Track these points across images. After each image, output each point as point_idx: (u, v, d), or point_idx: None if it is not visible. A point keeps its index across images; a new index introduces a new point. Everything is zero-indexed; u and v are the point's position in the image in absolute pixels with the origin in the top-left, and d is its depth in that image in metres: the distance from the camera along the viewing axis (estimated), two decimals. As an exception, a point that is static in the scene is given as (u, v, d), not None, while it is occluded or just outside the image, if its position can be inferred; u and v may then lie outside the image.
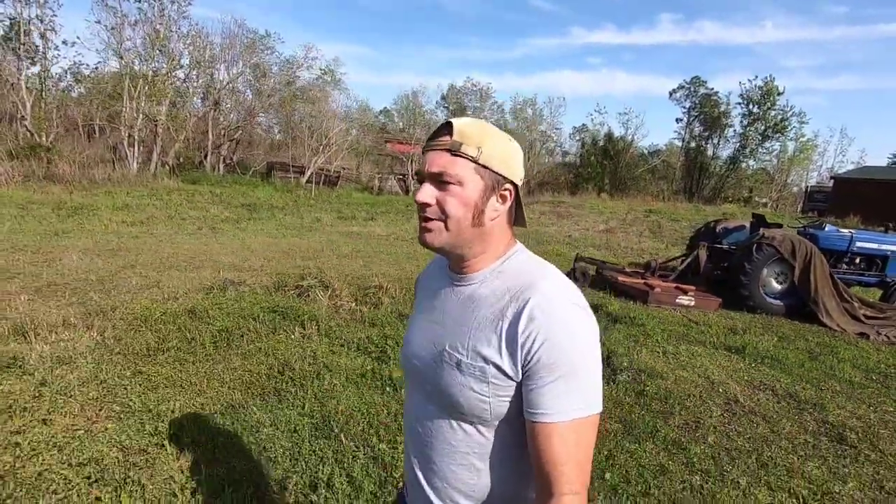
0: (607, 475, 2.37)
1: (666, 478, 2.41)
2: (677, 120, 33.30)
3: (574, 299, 0.78)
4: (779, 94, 24.35)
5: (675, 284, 6.46)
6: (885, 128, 66.30)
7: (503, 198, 0.83)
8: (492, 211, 0.82)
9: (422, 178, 0.83)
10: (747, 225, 7.13)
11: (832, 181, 27.89)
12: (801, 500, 2.35)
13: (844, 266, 6.57)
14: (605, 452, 2.57)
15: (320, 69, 25.63)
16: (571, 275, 6.82)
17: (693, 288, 6.37)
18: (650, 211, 13.58)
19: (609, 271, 6.84)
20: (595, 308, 5.28)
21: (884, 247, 6.56)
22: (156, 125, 21.38)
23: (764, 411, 3.29)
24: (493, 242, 0.85)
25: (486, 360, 0.78)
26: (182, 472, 2.12)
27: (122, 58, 20.65)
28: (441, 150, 0.80)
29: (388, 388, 3.07)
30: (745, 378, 3.87)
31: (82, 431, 2.37)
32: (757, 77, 27.52)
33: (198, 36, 22.21)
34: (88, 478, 2.04)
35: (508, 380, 0.77)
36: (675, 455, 2.63)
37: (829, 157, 44.43)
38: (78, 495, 1.94)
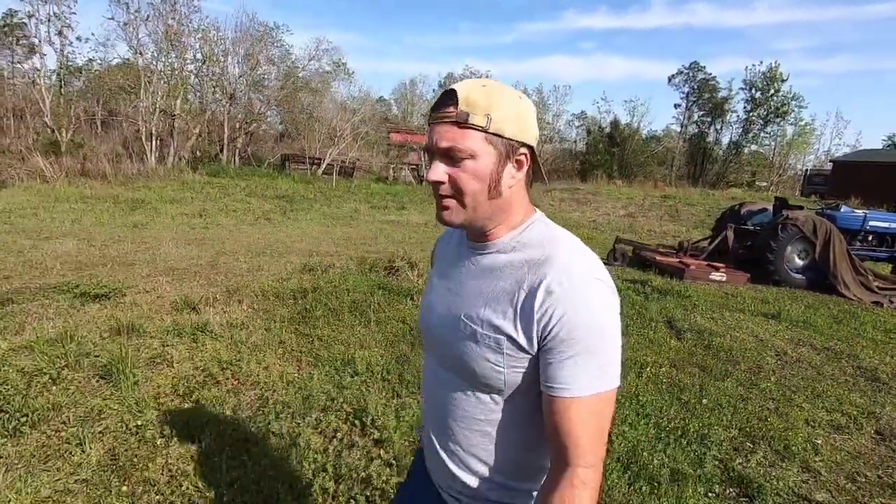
0: (704, 401, 3.07)
1: (748, 403, 3.11)
2: (676, 105, 34.03)
3: (594, 272, 0.76)
4: (783, 80, 24.98)
5: (706, 262, 7.16)
6: (880, 110, 67.10)
7: (519, 164, 0.80)
8: (509, 179, 0.79)
9: (432, 154, 0.79)
10: (769, 207, 7.82)
11: (831, 164, 28.71)
12: (853, 418, 3.05)
13: (858, 243, 7.29)
14: (698, 386, 3.27)
15: (333, 61, 25.98)
16: (612, 255, 7.52)
17: (723, 265, 7.06)
18: (665, 196, 14.28)
19: (646, 252, 7.53)
20: (641, 283, 5.97)
21: (893, 225, 7.28)
22: (173, 119, 21.79)
23: (808, 360, 4.00)
24: (512, 211, 0.82)
25: (500, 331, 0.77)
26: (399, 396, 2.81)
27: (140, 53, 20.97)
28: (448, 122, 0.76)
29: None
30: (787, 337, 4.57)
31: (296, 375, 3.04)
32: (761, 62, 28.18)
33: (209, 30, 22.49)
34: (353, 413, 2.71)
35: (523, 352, 0.76)
36: (750, 389, 3.33)
37: (825, 141, 45.21)
38: (338, 420, 2.61)
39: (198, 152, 23.65)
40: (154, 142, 21.38)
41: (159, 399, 2.64)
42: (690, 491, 2.18)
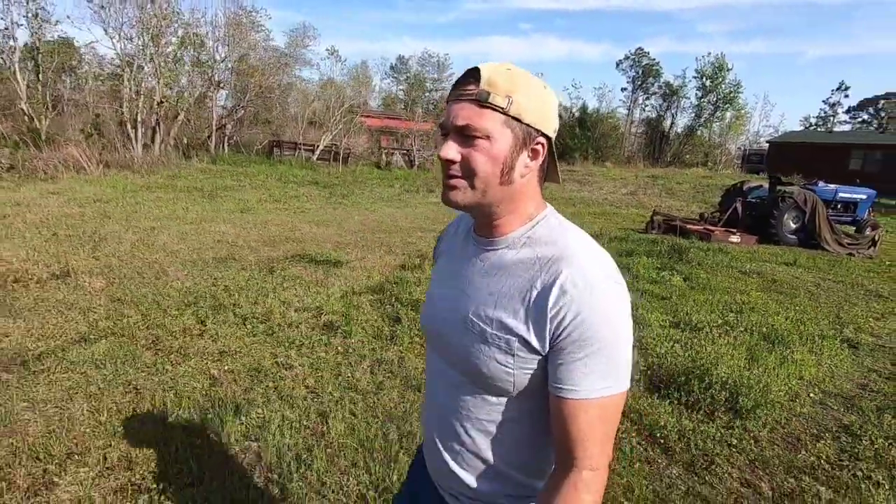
0: (803, 298, 4.84)
1: (822, 306, 4.92)
2: (622, 89, 37.09)
3: (608, 272, 0.74)
4: (728, 69, 28.03)
5: (724, 228, 9.13)
6: (794, 92, 74.37)
7: (535, 153, 0.77)
8: (522, 167, 0.76)
9: (446, 131, 0.76)
10: (764, 185, 9.91)
11: (767, 144, 32.58)
12: (881, 314, 4.93)
13: (830, 210, 9.50)
14: (790, 298, 5.06)
15: (326, 50, 26.24)
16: (650, 225, 9.34)
17: (736, 230, 9.06)
18: (653, 176, 16.43)
19: (676, 221, 9.41)
20: (679, 253, 7.75)
21: (855, 196, 9.58)
22: (160, 106, 21.55)
23: (829, 286, 5.91)
24: (522, 202, 0.79)
25: (511, 331, 0.74)
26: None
27: (130, 38, 20.50)
28: (467, 100, 0.73)
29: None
30: (809, 277, 6.50)
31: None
32: (710, 54, 31.33)
33: (190, 14, 22.21)
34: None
35: (534, 353, 0.74)
36: (818, 299, 5.15)
37: (754, 122, 50.19)
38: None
39: (184, 139, 23.46)
40: (139, 128, 21.12)
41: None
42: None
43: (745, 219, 9.40)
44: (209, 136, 24.09)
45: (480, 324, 0.77)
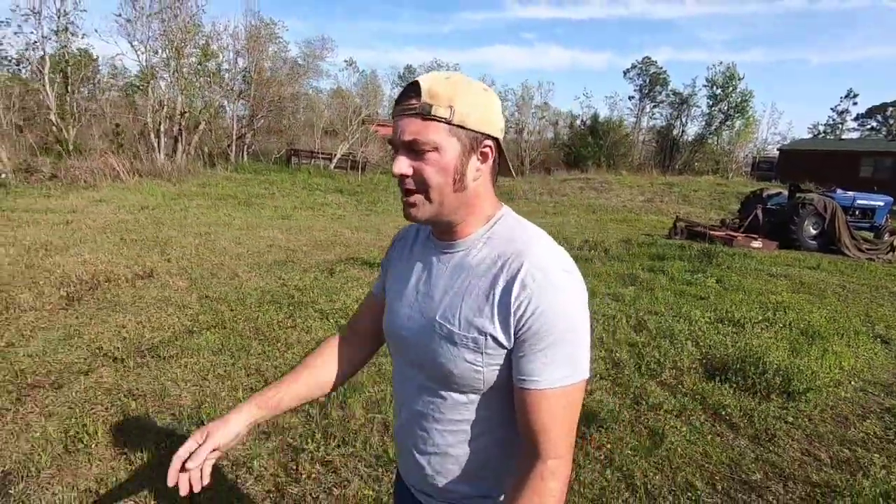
0: (833, 298, 5.14)
1: (852, 305, 5.21)
2: (630, 97, 37.52)
3: (564, 265, 0.76)
4: (739, 78, 28.36)
5: (744, 234, 9.42)
6: (800, 100, 74.45)
7: (484, 156, 0.79)
8: (473, 171, 0.78)
9: (396, 147, 0.78)
10: (783, 191, 10.20)
11: (777, 152, 32.80)
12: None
13: (849, 217, 9.78)
14: (819, 298, 5.35)
15: (345, 61, 26.84)
16: (672, 231, 9.65)
17: (757, 236, 9.35)
18: (668, 184, 16.75)
19: (699, 227, 9.72)
20: (708, 257, 8.04)
21: (872, 202, 9.86)
22: (182, 116, 22.14)
23: (855, 288, 6.19)
24: (478, 204, 0.81)
25: (479, 330, 0.76)
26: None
27: (156, 51, 21.13)
28: (410, 115, 0.74)
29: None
30: (834, 280, 6.78)
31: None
32: (721, 63, 31.74)
33: (212, 27, 22.83)
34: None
35: (501, 348, 0.76)
36: (846, 300, 5.44)
37: (762, 130, 50.46)
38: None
39: (205, 148, 23.99)
40: (162, 138, 21.68)
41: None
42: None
43: (765, 225, 9.70)
44: (229, 146, 24.67)
45: (448, 326, 0.79)
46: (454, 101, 0.73)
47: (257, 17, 24.61)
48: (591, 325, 4.00)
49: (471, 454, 0.84)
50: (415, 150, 0.75)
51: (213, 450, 0.84)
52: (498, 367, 0.77)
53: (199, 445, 0.83)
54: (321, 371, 1.00)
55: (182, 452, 0.83)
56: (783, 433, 2.71)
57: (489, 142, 0.78)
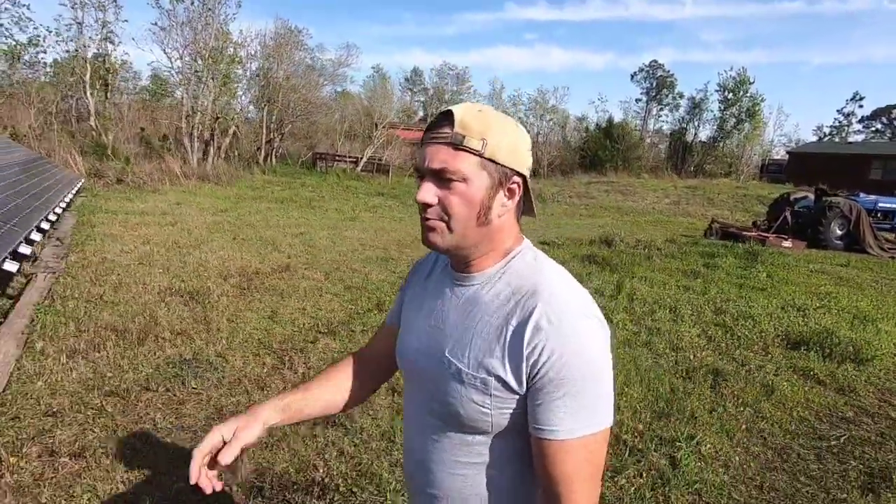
0: (869, 290, 5.92)
1: (869, 295, 5.99)
2: (637, 100, 38.58)
3: (584, 308, 0.73)
4: (750, 83, 29.17)
5: (775, 235, 10.21)
6: (803, 101, 75.25)
7: (511, 192, 0.78)
8: (499, 207, 0.77)
9: (422, 174, 0.77)
10: (810, 195, 11.00)
11: (787, 155, 33.59)
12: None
13: (871, 218, 10.57)
14: (859, 289, 6.13)
15: (372, 68, 27.66)
16: (708, 231, 10.44)
17: (787, 236, 10.13)
18: (689, 187, 17.54)
19: (733, 228, 10.51)
20: (753, 255, 8.81)
21: (893, 205, 10.66)
22: (215, 121, 22.98)
23: (887, 283, 6.96)
24: (500, 240, 0.80)
25: (488, 371, 0.73)
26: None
27: (189, 58, 21.97)
28: (442, 143, 0.74)
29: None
30: (866, 276, 7.54)
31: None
32: (732, 69, 32.63)
33: (240, 35, 23.63)
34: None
35: (511, 392, 0.73)
36: (875, 295, 6.22)
37: (769, 132, 51.31)
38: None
39: (236, 152, 24.79)
40: (195, 142, 22.49)
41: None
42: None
43: (793, 226, 10.49)
44: (258, 149, 25.50)
45: (456, 363, 0.76)
46: (487, 135, 0.73)
47: (285, 24, 25.36)
48: (678, 311, 4.83)
49: (476, 497, 0.81)
50: (442, 178, 0.74)
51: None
52: (509, 412, 0.74)
53: (226, 443, 0.79)
54: (341, 387, 0.99)
55: (205, 447, 0.79)
56: (861, 387, 3.50)
57: (517, 178, 0.78)
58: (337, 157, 26.46)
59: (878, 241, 9.87)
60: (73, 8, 20.91)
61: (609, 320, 4.33)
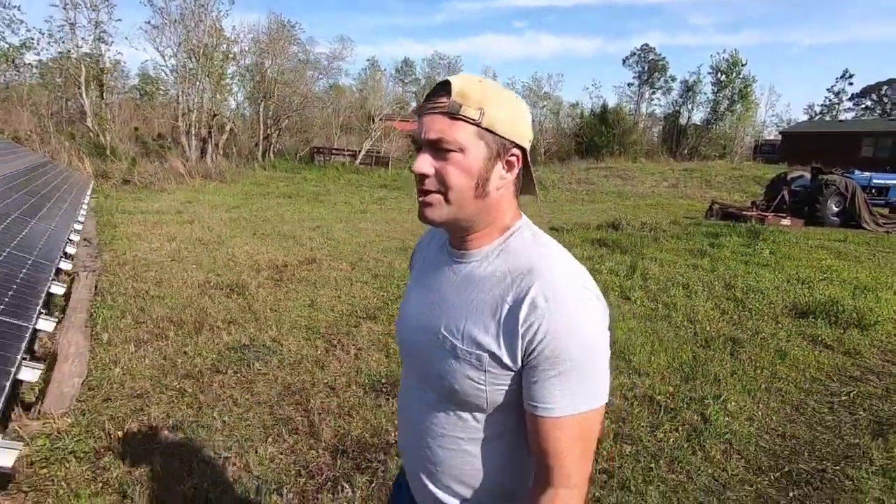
0: (867, 262, 6.22)
1: (867, 267, 6.30)
2: (629, 84, 38.99)
3: (581, 286, 0.73)
4: (742, 65, 29.39)
5: (774, 213, 10.51)
6: (792, 81, 75.56)
7: (510, 165, 0.77)
8: (497, 180, 0.76)
9: (419, 145, 0.76)
10: (806, 174, 11.29)
11: (780, 135, 33.96)
12: (930, 273, 6.31)
13: (866, 195, 10.89)
14: (857, 265, 6.43)
15: (367, 60, 27.65)
16: (709, 212, 10.74)
17: (785, 215, 10.44)
18: (686, 170, 17.83)
19: (732, 209, 10.81)
20: (755, 234, 9.09)
21: (887, 181, 10.98)
22: (212, 118, 23.01)
23: (883, 256, 7.27)
24: (498, 215, 0.79)
25: (482, 347, 0.74)
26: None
27: (183, 55, 21.89)
28: (438, 113, 0.73)
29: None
30: (863, 250, 7.86)
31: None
32: (724, 51, 32.87)
33: (232, 32, 23.57)
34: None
35: (506, 369, 0.73)
36: (874, 267, 6.53)
37: (760, 113, 51.72)
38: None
39: (234, 148, 24.82)
40: (193, 140, 22.53)
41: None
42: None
43: (791, 204, 10.79)
44: (256, 145, 25.53)
45: (451, 339, 0.77)
46: (485, 104, 0.72)
47: (278, 19, 25.29)
48: (690, 287, 5.10)
49: (476, 475, 0.81)
50: (439, 149, 0.73)
51: None
52: (504, 388, 0.75)
53: None
54: None
55: None
56: (865, 349, 3.79)
57: (516, 151, 0.77)
58: (334, 151, 26.55)
59: (873, 217, 10.19)
60: (64, 9, 20.77)
61: (626, 298, 4.67)
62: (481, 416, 0.78)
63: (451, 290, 0.81)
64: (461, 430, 0.80)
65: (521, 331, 0.71)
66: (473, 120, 0.72)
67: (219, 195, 12.05)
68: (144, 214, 8.73)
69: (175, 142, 23.48)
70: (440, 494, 0.84)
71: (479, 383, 0.75)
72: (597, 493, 2.12)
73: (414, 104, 43.37)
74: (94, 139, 21.51)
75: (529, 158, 0.79)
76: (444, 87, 0.74)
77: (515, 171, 0.78)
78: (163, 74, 23.80)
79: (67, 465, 2.14)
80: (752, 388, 3.11)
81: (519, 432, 0.78)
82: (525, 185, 0.82)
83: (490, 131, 0.73)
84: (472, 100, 0.72)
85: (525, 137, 0.77)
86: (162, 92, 27.37)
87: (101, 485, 2.05)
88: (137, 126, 26.41)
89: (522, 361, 0.72)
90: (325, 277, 5.24)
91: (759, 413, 2.84)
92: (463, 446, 0.80)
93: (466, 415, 0.79)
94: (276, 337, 3.62)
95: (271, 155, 25.94)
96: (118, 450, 2.26)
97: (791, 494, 2.21)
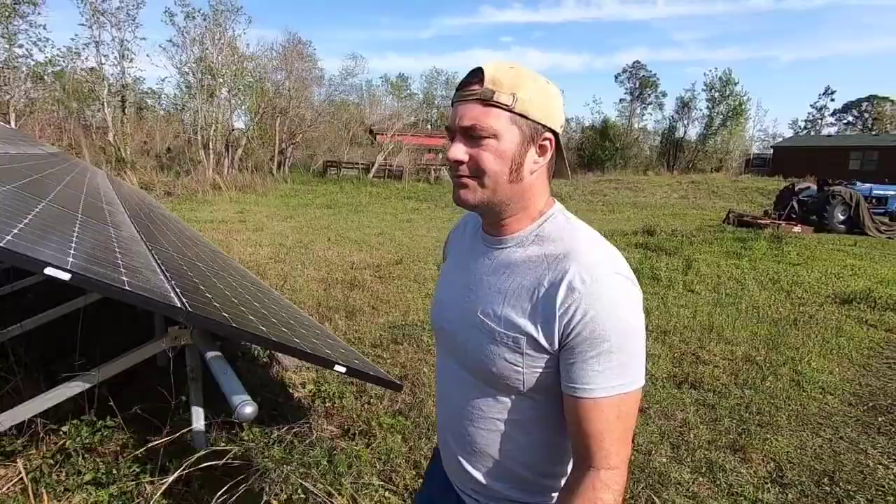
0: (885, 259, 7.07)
1: (887, 265, 7.17)
2: (621, 100, 40.70)
3: (617, 267, 0.74)
4: (735, 83, 30.88)
5: (786, 221, 11.44)
6: (775, 96, 78.21)
7: (543, 149, 0.78)
8: (531, 164, 0.77)
9: (453, 133, 0.77)
10: (812, 185, 12.27)
11: (772, 149, 35.50)
12: (938, 271, 7.17)
13: (867, 204, 11.87)
14: (879, 261, 7.29)
15: (380, 77, 28.54)
16: (726, 220, 11.63)
17: (795, 223, 11.36)
18: (694, 182, 18.85)
19: (747, 217, 11.71)
20: (778, 239, 9.97)
21: (886, 192, 11.99)
22: (230, 132, 23.71)
23: (894, 255, 8.14)
24: (532, 200, 0.81)
25: (519, 330, 0.75)
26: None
27: (211, 73, 22.65)
28: (472, 100, 0.74)
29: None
30: (876, 251, 8.73)
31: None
32: (717, 69, 34.48)
33: (246, 48, 24.38)
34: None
35: (543, 351, 0.75)
36: (888, 263, 7.38)
37: (749, 128, 53.72)
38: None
39: (250, 162, 25.47)
40: (211, 153, 23.18)
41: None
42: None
43: (799, 213, 11.73)
44: (271, 158, 26.21)
45: (489, 322, 0.79)
46: (517, 90, 0.74)
47: (294, 37, 26.20)
48: (743, 281, 5.87)
49: (510, 455, 0.83)
50: (473, 136, 0.75)
51: None
52: (541, 370, 0.76)
53: None
54: None
55: None
56: (903, 328, 4.59)
57: (549, 135, 0.78)
58: (345, 165, 27.28)
59: (875, 224, 11.14)
60: (90, 28, 21.48)
61: (691, 290, 5.48)
62: (518, 399, 0.80)
63: (488, 274, 0.83)
64: (499, 411, 0.82)
65: (558, 313, 0.72)
66: (507, 106, 0.74)
67: (263, 206, 12.69)
68: (212, 223, 9.37)
69: (190, 157, 23.98)
70: (478, 475, 0.87)
71: (516, 366, 0.77)
72: (743, 416, 2.85)
73: (412, 118, 44.44)
74: (116, 153, 22.09)
75: (562, 144, 0.81)
76: (477, 75, 0.75)
77: (549, 155, 0.79)
78: (181, 90, 24.50)
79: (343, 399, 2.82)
80: (825, 352, 3.87)
81: (555, 415, 0.79)
82: (558, 168, 0.85)
83: (523, 116, 0.75)
84: (504, 86, 0.74)
85: (557, 121, 0.79)
86: (164, 106, 28.05)
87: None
88: (146, 140, 26.95)
89: (560, 343, 0.73)
90: (420, 275, 5.94)
91: (837, 370, 3.59)
92: (500, 428, 0.83)
93: (504, 397, 0.81)
94: (422, 319, 4.31)
95: (286, 168, 26.61)
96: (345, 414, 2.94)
97: (879, 420, 2.95)
